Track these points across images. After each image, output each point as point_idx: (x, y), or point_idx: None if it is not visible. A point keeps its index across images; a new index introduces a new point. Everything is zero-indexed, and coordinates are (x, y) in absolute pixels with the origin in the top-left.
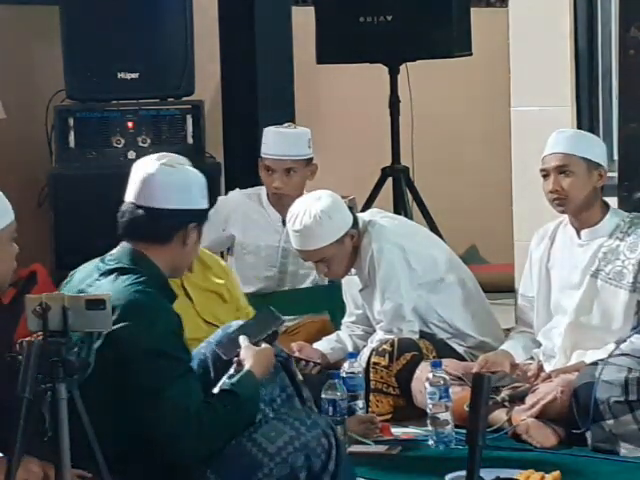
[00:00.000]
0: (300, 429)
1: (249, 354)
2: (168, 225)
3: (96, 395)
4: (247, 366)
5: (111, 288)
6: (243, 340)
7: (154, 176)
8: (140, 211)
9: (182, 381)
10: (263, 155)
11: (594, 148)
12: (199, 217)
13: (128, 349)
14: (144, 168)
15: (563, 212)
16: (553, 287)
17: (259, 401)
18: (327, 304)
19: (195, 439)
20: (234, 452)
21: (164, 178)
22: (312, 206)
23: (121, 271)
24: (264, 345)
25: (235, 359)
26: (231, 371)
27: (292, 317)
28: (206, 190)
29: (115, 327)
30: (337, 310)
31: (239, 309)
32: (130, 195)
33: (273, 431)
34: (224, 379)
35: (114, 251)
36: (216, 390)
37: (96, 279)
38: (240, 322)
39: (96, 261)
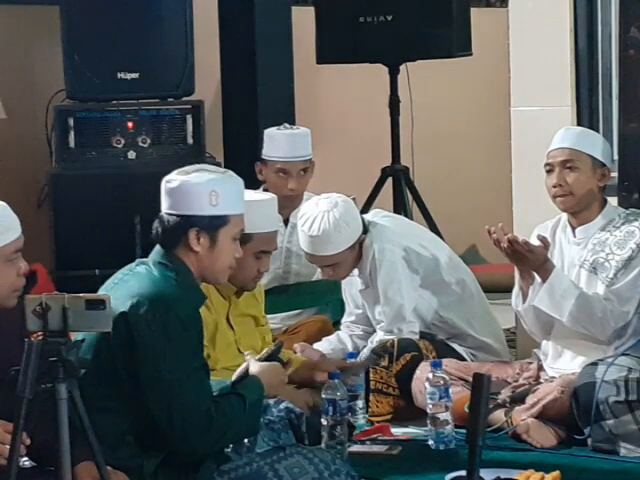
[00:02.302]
0: (323, 473)
1: (256, 366)
2: (169, 230)
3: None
4: (253, 371)
5: (146, 276)
6: (249, 358)
7: (165, 184)
8: (156, 218)
9: (195, 376)
10: (274, 159)
11: (600, 147)
12: (200, 223)
13: (143, 335)
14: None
15: (564, 209)
16: None
17: (262, 405)
18: (329, 296)
19: (204, 435)
20: (253, 477)
21: (170, 185)
22: (330, 212)
23: (156, 264)
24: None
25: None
26: (234, 377)
27: (296, 311)
28: (221, 197)
29: (135, 310)
30: (337, 306)
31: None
32: None
33: (297, 467)
34: (228, 383)
35: None
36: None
37: (132, 269)
38: None
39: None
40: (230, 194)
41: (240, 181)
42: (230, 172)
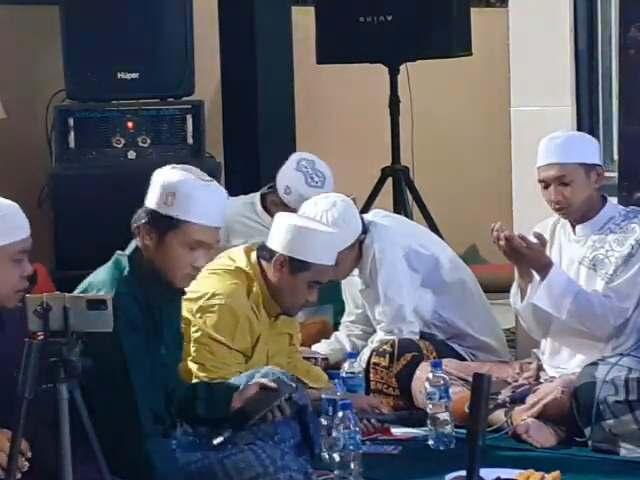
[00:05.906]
0: (268, 468)
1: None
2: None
3: None
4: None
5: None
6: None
7: None
8: None
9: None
10: None
11: (587, 149)
12: (151, 218)
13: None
14: None
15: (566, 219)
16: None
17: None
18: (330, 299)
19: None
20: (203, 472)
21: None
22: (329, 211)
23: (118, 257)
24: None
25: None
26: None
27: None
28: (177, 199)
29: None
30: (338, 306)
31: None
32: None
33: (243, 462)
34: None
35: None
36: None
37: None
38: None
39: None
40: (189, 199)
41: (218, 193)
42: (214, 183)
